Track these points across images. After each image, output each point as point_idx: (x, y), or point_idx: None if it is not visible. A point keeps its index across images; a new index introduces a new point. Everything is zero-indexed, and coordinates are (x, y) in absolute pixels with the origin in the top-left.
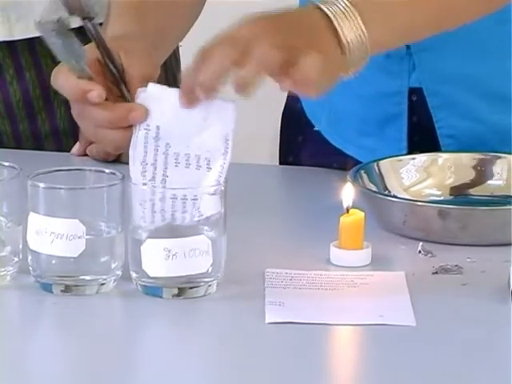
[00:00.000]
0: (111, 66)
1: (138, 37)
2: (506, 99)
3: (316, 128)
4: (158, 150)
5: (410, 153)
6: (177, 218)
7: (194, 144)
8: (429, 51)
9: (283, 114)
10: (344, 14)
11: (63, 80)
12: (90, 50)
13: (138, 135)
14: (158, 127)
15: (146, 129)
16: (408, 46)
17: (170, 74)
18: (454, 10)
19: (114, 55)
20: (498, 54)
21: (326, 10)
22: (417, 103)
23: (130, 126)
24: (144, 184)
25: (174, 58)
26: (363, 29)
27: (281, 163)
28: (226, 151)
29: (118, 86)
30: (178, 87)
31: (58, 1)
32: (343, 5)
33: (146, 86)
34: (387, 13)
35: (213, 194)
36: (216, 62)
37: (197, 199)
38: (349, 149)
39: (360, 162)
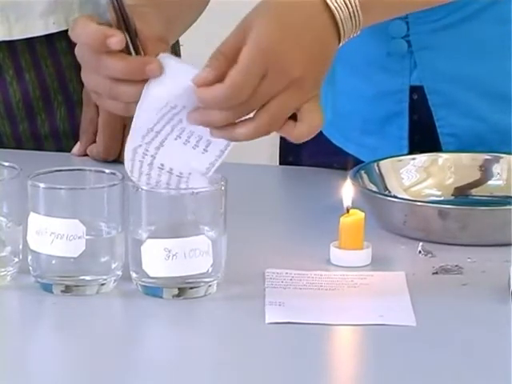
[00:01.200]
0: (123, 29)
1: (151, 5)
2: (506, 98)
3: None
4: (169, 123)
5: (410, 152)
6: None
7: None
8: (430, 50)
9: None
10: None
11: (82, 27)
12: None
13: (163, 111)
14: (184, 107)
15: (173, 107)
16: (409, 45)
17: None
18: None
19: (129, 16)
20: (498, 53)
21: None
22: (417, 102)
23: (145, 81)
24: (139, 146)
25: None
26: (360, 18)
27: (281, 163)
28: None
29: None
30: None
31: None
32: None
33: (161, 48)
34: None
35: (203, 174)
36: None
37: (183, 177)
38: (350, 147)
39: (361, 162)
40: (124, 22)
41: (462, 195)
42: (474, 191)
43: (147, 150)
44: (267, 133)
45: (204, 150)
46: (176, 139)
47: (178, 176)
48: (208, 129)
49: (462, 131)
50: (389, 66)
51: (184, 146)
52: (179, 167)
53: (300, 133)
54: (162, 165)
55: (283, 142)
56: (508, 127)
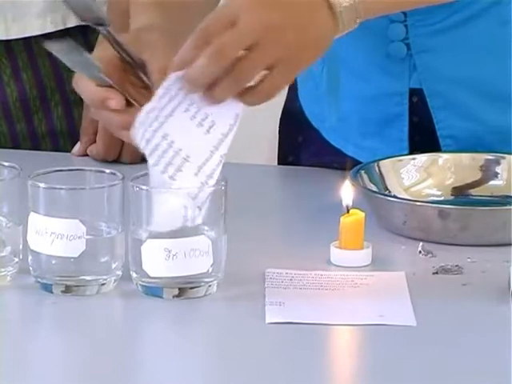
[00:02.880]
0: (130, 61)
1: (162, 28)
2: (506, 100)
3: (316, 126)
4: (172, 99)
5: (410, 153)
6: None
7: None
8: (429, 52)
9: (282, 114)
10: None
11: (84, 86)
12: (105, 51)
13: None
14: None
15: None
16: (408, 48)
17: None
18: None
19: (134, 54)
20: (498, 54)
21: None
22: (417, 104)
23: None
24: (152, 109)
25: None
26: None
27: (281, 163)
28: (234, 123)
29: (140, 78)
30: None
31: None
32: None
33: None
34: None
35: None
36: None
37: (178, 155)
38: (349, 149)
39: (360, 163)
40: (129, 57)
41: (462, 195)
42: (474, 191)
43: (158, 116)
44: (244, 83)
45: (207, 130)
46: (185, 111)
47: (174, 152)
48: (215, 109)
49: (461, 133)
50: (388, 69)
51: (190, 121)
52: (181, 142)
53: (251, 100)
54: (167, 134)
55: (283, 142)
56: (508, 128)
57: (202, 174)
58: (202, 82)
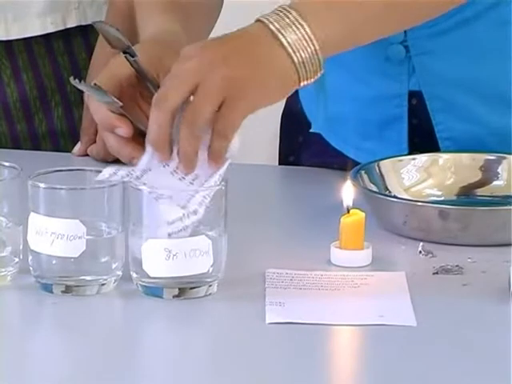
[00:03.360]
0: (151, 87)
1: (183, 40)
2: (505, 101)
3: (312, 130)
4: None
5: (410, 154)
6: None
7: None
8: (428, 55)
9: (283, 114)
10: (289, 25)
11: (96, 108)
12: (123, 68)
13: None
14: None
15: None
16: (407, 50)
17: None
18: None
19: (155, 81)
20: (497, 56)
21: (269, 24)
22: (417, 106)
23: None
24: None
25: None
26: (310, 36)
27: (281, 163)
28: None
29: (149, 89)
30: None
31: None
32: (289, 16)
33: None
34: (338, 12)
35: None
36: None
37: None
38: (349, 151)
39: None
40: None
41: (462, 195)
42: (474, 191)
43: (132, 170)
44: (198, 126)
45: (191, 182)
46: (164, 166)
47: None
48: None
49: (461, 135)
50: (387, 71)
51: (171, 176)
52: (161, 188)
53: (213, 144)
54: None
55: (284, 142)
56: (507, 130)
57: (186, 210)
58: (160, 139)
